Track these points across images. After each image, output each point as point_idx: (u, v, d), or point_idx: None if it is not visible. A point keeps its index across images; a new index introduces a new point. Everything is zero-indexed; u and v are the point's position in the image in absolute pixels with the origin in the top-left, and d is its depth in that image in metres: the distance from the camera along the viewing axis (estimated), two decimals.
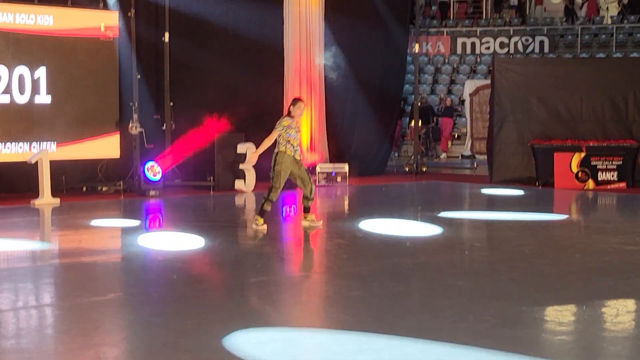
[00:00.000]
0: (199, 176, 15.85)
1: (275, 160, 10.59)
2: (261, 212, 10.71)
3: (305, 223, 10.96)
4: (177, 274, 8.17)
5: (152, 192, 14.65)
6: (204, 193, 15.29)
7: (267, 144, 10.70)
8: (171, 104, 15.80)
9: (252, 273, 8.35)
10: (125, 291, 7.60)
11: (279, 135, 10.60)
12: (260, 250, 9.81)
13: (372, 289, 7.37)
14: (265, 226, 10.69)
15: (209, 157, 15.65)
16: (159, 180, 14.83)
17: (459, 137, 26.07)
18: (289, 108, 10.87)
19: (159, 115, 15.84)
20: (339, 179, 17.10)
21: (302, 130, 11.24)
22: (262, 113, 16.05)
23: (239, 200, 14.79)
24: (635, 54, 25.87)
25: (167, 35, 15.70)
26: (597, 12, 28.78)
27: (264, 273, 8.32)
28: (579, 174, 16.24)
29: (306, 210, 10.97)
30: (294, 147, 10.60)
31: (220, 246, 9.81)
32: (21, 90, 14.28)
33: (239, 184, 15.66)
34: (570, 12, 28.95)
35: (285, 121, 10.67)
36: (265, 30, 17.21)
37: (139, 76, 15.45)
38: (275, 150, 10.64)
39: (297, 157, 10.65)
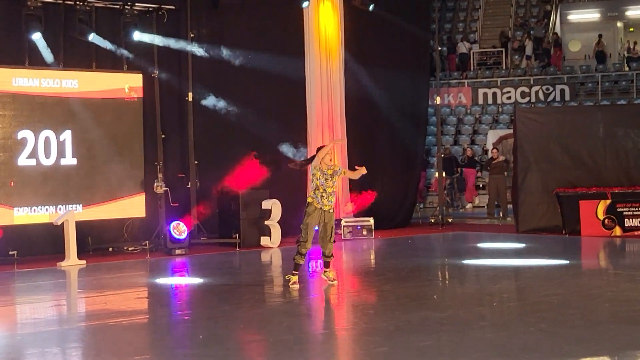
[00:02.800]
0: (224, 233, 15.90)
1: (305, 212, 10.64)
2: (295, 266, 10.69)
3: (324, 277, 10.93)
4: (203, 333, 8.15)
5: (178, 251, 14.70)
6: (230, 250, 15.30)
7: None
8: (196, 162, 15.95)
9: (278, 332, 8.29)
10: (152, 353, 7.58)
11: (313, 174, 10.62)
12: (285, 308, 9.76)
13: (399, 344, 7.31)
14: (297, 285, 10.62)
15: (234, 213, 15.72)
16: (185, 238, 14.88)
17: (483, 187, 25.99)
18: (319, 155, 10.71)
19: (184, 174, 15.97)
20: (364, 232, 17.08)
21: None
22: (286, 166, 16.10)
23: (265, 257, 14.79)
24: None
25: (190, 94, 15.92)
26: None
27: (290, 332, 8.26)
28: (606, 221, 16.12)
29: (326, 265, 10.96)
30: (321, 195, 10.54)
31: (247, 304, 9.78)
32: (47, 154, 14.46)
33: (264, 240, 15.68)
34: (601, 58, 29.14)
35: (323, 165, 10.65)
36: (288, 82, 17.32)
37: (163, 135, 15.64)
38: (307, 200, 10.70)
39: (325, 208, 10.59)
